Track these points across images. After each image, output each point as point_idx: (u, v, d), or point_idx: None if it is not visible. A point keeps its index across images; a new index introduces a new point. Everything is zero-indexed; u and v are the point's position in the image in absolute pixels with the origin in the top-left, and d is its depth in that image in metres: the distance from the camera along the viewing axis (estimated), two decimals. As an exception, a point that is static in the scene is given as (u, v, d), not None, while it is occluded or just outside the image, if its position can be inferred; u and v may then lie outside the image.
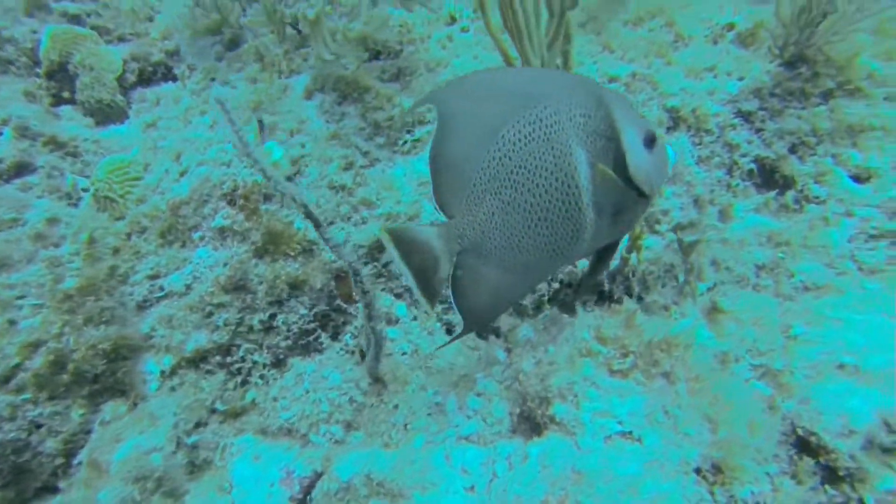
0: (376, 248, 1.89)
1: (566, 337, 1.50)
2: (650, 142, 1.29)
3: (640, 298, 1.82)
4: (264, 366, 1.85)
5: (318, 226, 1.38)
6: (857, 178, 2.02)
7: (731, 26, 2.24)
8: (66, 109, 2.14)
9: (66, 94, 2.15)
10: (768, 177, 2.13)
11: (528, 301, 1.83)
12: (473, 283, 1.32)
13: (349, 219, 1.92)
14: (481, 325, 1.54)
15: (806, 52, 2.06)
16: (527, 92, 1.25)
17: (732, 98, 2.12)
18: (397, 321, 1.92)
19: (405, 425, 1.66)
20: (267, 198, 1.93)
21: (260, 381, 1.84)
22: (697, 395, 1.30)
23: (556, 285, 1.85)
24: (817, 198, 2.03)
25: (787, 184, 2.09)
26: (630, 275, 1.82)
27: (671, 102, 2.08)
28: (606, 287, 1.84)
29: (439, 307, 1.92)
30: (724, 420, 1.28)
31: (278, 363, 1.89)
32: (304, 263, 1.86)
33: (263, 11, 1.74)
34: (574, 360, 1.40)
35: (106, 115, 2.14)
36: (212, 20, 1.83)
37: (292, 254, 1.85)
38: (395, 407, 1.69)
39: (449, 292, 1.33)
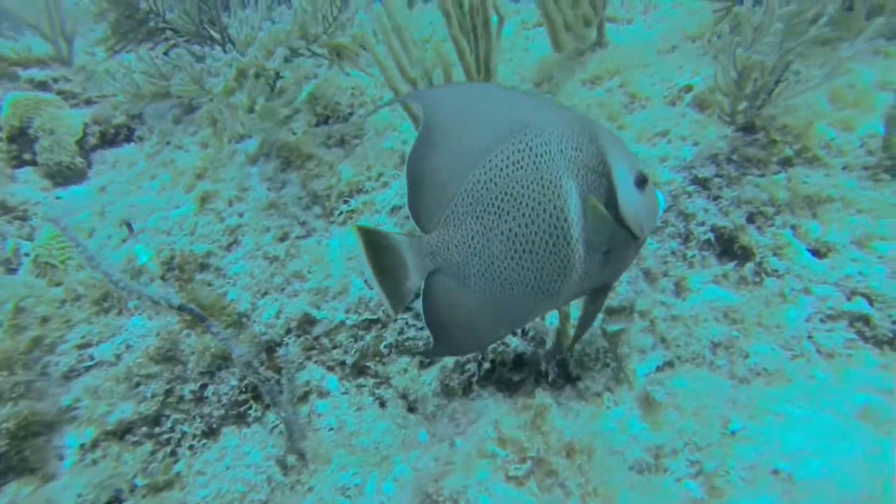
0: (306, 322, 1.87)
1: (474, 431, 1.44)
2: (641, 182, 1.27)
3: (577, 379, 1.75)
4: (194, 436, 1.85)
5: (201, 319, 1.37)
6: (816, 252, 1.92)
7: (689, 88, 2.17)
8: (25, 171, 2.20)
9: (27, 157, 2.23)
10: (727, 247, 2.04)
11: (455, 381, 1.78)
12: (449, 306, 1.28)
13: (282, 290, 1.91)
14: (452, 352, 1.49)
15: (756, 119, 1.98)
16: (519, 116, 1.22)
17: (687, 164, 2.04)
18: (327, 394, 1.89)
19: (317, 510, 1.62)
20: (203, 267, 1.95)
21: (188, 453, 1.83)
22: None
23: (486, 365, 1.79)
24: (776, 271, 1.92)
25: (745, 255, 1.99)
26: (568, 354, 1.75)
27: (620, 170, 2.01)
28: (543, 367, 1.78)
29: (371, 381, 1.88)
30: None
31: (211, 432, 1.88)
32: (233, 335, 1.85)
33: (190, 80, 1.77)
34: (472, 462, 1.33)
35: (66, 176, 2.20)
36: (157, 87, 1.87)
37: (222, 325, 1.85)
38: (310, 490, 1.65)
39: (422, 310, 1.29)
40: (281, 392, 1.63)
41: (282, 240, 1.94)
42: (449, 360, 1.80)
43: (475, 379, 1.77)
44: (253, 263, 1.93)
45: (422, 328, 1.81)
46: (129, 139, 2.34)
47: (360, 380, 1.89)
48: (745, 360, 1.78)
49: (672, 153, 2.04)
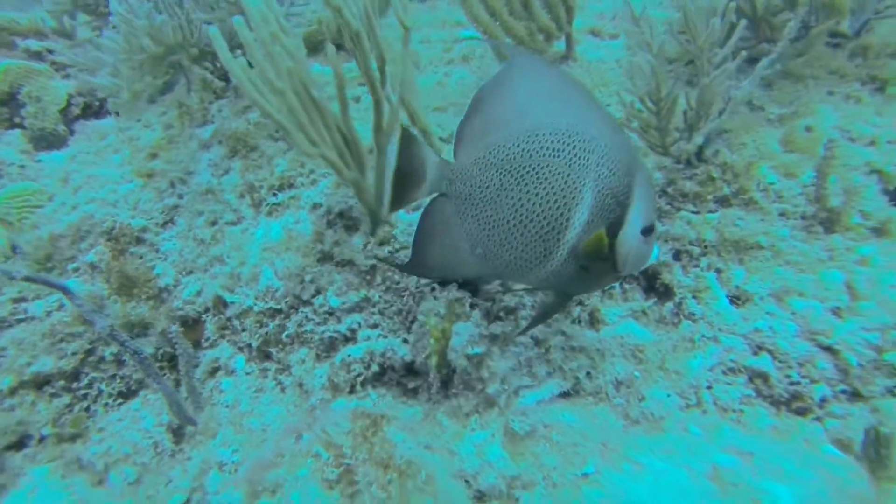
0: (221, 304, 1.96)
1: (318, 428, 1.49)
2: (648, 231, 1.36)
3: (454, 395, 1.76)
4: (110, 395, 1.99)
5: (60, 289, 1.47)
6: (735, 300, 1.83)
7: (640, 113, 2.09)
8: (13, 134, 2.41)
9: (17, 120, 2.43)
10: (651, 282, 1.97)
11: (341, 379, 1.82)
12: (440, 230, 1.41)
13: (206, 271, 2.01)
14: (422, 272, 1.61)
15: (700, 152, 1.90)
16: (582, 116, 1.33)
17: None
18: (233, 372, 1.98)
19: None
20: (139, 241, 2.08)
21: (102, 410, 1.98)
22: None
23: (374, 368, 1.82)
24: (692, 315, 1.85)
25: (668, 293, 1.93)
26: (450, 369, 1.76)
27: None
28: (430, 377, 1.80)
29: (275, 366, 1.95)
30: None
31: (130, 394, 2.02)
32: (153, 308, 1.97)
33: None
34: (298, 458, 1.39)
35: (49, 142, 2.40)
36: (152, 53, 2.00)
37: (144, 297, 1.97)
38: (188, 459, 1.75)
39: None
40: (149, 365, 1.73)
41: (212, 224, 2.04)
42: (344, 355, 1.83)
43: (360, 379, 1.82)
44: (183, 243, 2.04)
45: (319, 323, 1.87)
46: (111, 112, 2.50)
47: (266, 364, 1.97)
48: (640, 402, 1.74)
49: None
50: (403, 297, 1.83)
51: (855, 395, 1.67)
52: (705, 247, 1.87)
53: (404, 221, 1.88)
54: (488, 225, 1.37)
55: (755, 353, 1.71)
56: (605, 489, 1.43)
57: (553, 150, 1.31)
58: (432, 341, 1.60)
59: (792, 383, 1.65)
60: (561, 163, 1.31)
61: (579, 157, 1.31)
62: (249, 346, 1.95)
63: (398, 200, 1.38)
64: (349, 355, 1.82)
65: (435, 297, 1.89)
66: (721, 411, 1.69)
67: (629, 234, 1.35)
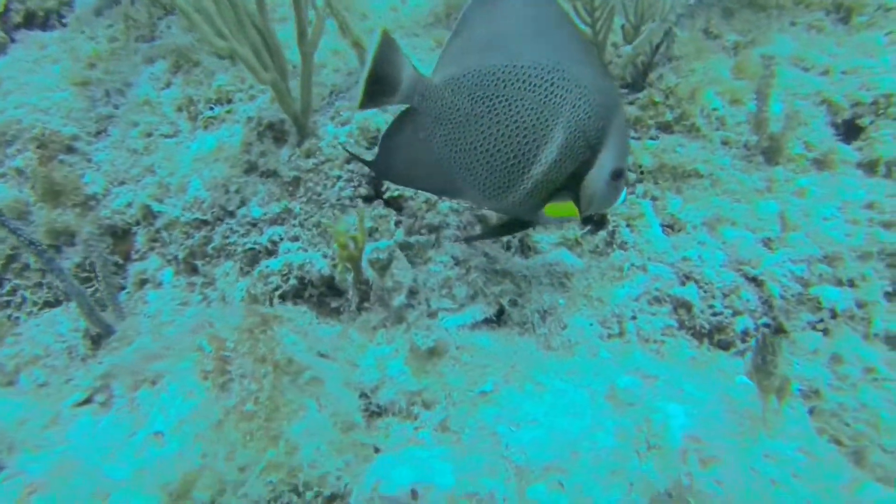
0: (150, 215, 1.93)
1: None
2: (617, 175, 1.35)
3: (365, 310, 1.71)
4: (35, 303, 1.98)
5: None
6: (670, 228, 1.75)
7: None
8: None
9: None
10: (589, 211, 1.90)
11: (258, 290, 1.78)
12: (408, 142, 1.39)
13: (138, 182, 1.97)
14: (386, 176, 1.62)
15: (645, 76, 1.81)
16: (565, 51, 1.29)
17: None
18: (160, 285, 1.95)
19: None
20: (70, 150, 2.04)
21: (25, 318, 1.96)
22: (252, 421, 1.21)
23: (292, 281, 1.78)
24: (624, 243, 1.78)
25: (602, 221, 1.86)
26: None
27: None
28: (349, 294, 1.76)
29: (202, 280, 1.92)
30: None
31: (57, 304, 2.01)
32: (79, 215, 1.94)
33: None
34: (184, 351, 1.36)
35: (-13, 46, 2.36)
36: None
37: (70, 204, 1.94)
38: (99, 364, 1.73)
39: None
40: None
41: (147, 135, 1.99)
42: (262, 267, 1.79)
43: (278, 292, 1.78)
44: (116, 153, 2.00)
45: (243, 235, 1.83)
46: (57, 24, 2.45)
47: (194, 278, 1.93)
48: (562, 330, 1.68)
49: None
50: (324, 208, 1.79)
51: (779, 330, 1.60)
52: (642, 173, 1.80)
53: (330, 134, 1.82)
54: (454, 148, 1.35)
55: (682, 283, 1.64)
56: (500, 406, 1.39)
57: (530, 83, 1.28)
58: (335, 247, 1.55)
59: (715, 314, 1.58)
60: (536, 98, 1.28)
61: (556, 95, 1.28)
62: (177, 258, 1.92)
63: (367, 101, 1.34)
64: (267, 267, 1.78)
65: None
66: (643, 342, 1.63)
67: (596, 177, 1.34)
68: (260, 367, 1.29)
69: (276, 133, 1.89)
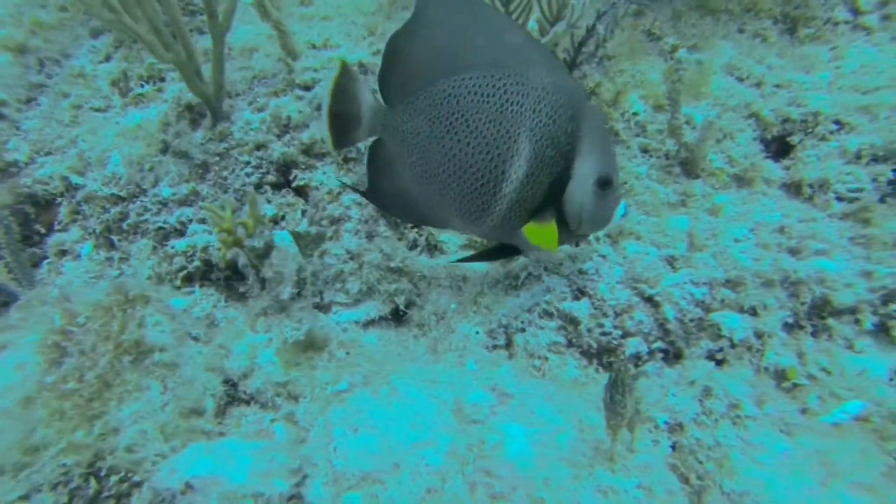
0: (73, 187, 1.94)
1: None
2: (603, 184, 1.22)
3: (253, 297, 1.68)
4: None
5: None
6: (577, 240, 1.66)
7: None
8: None
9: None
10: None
11: (163, 270, 1.77)
12: (388, 176, 1.34)
13: (64, 153, 1.99)
14: (382, 207, 1.56)
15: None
16: (514, 48, 1.19)
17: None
18: (78, 256, 1.97)
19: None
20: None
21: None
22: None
23: (196, 262, 1.76)
24: (532, 251, 1.70)
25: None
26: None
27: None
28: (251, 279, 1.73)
29: (118, 255, 1.93)
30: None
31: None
32: None
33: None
34: (37, 324, 1.35)
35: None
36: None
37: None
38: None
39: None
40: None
41: (77, 107, 2.01)
42: (168, 247, 1.79)
43: (182, 273, 1.76)
44: (44, 122, 2.02)
45: (155, 213, 1.82)
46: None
47: (112, 253, 1.94)
48: (449, 335, 1.62)
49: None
50: (228, 192, 1.77)
51: (678, 356, 1.50)
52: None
53: (244, 119, 1.80)
54: (424, 174, 1.28)
55: (576, 297, 1.55)
56: (347, 407, 1.34)
57: (482, 94, 1.19)
58: (216, 231, 1.53)
59: (604, 333, 1.48)
60: (492, 109, 1.19)
61: (512, 103, 1.18)
62: (95, 232, 1.93)
63: (337, 143, 1.30)
64: (173, 247, 1.78)
65: (268, 201, 1.81)
66: (528, 356, 1.55)
67: (578, 189, 1.21)
68: (101, 345, 1.27)
69: (194, 115, 1.88)
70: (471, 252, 1.65)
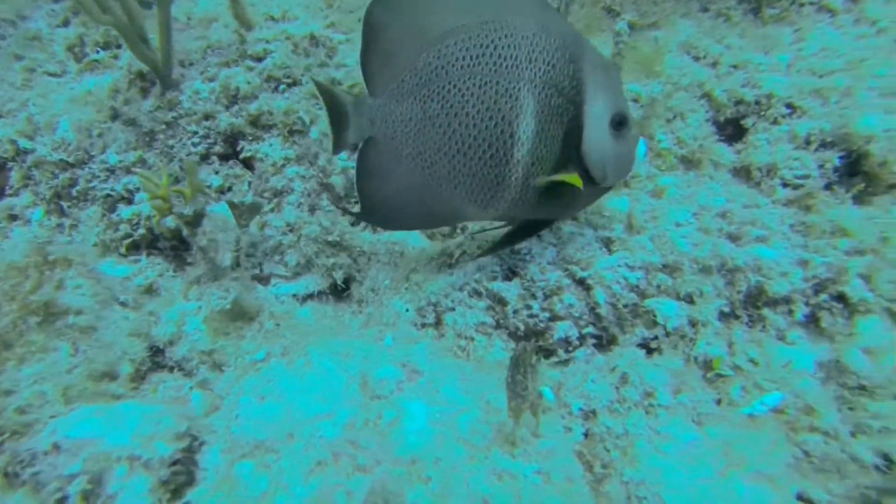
0: (23, 151, 1.93)
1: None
2: (619, 124, 1.13)
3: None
4: None
5: None
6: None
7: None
8: None
9: None
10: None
11: (108, 237, 1.75)
12: (380, 179, 1.25)
13: (13, 116, 1.98)
14: (378, 223, 1.48)
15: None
16: (494, 4, 1.10)
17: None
18: (29, 221, 1.96)
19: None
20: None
21: None
22: None
23: (141, 230, 1.74)
24: (465, 228, 1.66)
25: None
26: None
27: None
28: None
29: (69, 221, 1.92)
30: None
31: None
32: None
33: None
34: None
35: None
36: None
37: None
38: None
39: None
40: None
41: (30, 70, 2.00)
42: (114, 215, 1.77)
43: (127, 241, 1.75)
44: (-1, 83, 2.02)
45: (104, 180, 1.81)
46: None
47: (64, 220, 1.94)
48: (381, 310, 1.59)
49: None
50: (174, 161, 1.75)
51: (612, 342, 1.44)
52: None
53: (193, 88, 1.77)
54: (425, 164, 1.17)
55: (507, 277, 1.50)
56: (260, 377, 1.32)
57: (470, 57, 1.09)
58: (149, 198, 1.50)
59: (531, 315, 1.43)
60: (485, 70, 1.09)
61: (505, 57, 1.09)
62: (45, 198, 1.92)
63: (335, 146, 1.25)
64: (118, 215, 1.77)
65: (216, 171, 1.79)
66: (456, 336, 1.50)
67: (594, 135, 1.12)
68: (6, 304, 1.25)
69: (146, 83, 1.85)
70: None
